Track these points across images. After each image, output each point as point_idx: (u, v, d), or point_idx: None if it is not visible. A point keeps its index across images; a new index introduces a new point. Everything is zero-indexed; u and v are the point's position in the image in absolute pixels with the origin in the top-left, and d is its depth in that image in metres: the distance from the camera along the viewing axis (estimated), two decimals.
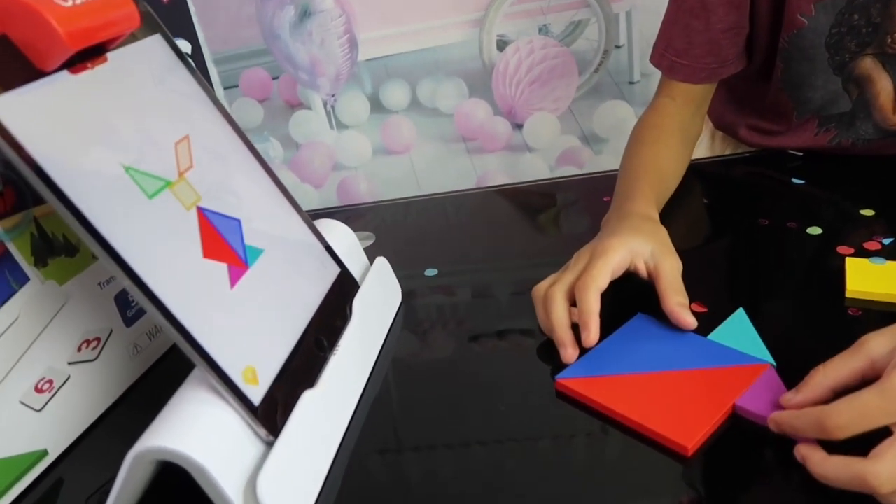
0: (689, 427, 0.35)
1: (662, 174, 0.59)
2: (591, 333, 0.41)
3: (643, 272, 0.45)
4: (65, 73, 0.33)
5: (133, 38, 0.38)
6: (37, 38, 0.31)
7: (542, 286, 0.45)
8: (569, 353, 0.41)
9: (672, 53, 0.64)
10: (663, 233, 0.48)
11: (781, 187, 0.61)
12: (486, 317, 0.49)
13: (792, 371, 0.38)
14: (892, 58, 0.59)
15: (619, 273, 0.45)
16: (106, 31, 0.34)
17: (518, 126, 1.35)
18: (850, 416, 0.31)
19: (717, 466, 0.34)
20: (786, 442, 0.34)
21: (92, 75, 0.35)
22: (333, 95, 1.32)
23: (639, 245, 0.46)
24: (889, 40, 0.58)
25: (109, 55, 0.36)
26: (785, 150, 0.67)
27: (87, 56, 0.34)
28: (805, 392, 0.34)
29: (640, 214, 0.51)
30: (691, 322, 0.42)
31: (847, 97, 0.62)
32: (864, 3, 0.57)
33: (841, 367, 0.34)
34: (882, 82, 0.59)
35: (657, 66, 0.66)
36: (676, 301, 0.43)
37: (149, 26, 0.39)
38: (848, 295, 0.44)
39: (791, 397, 0.35)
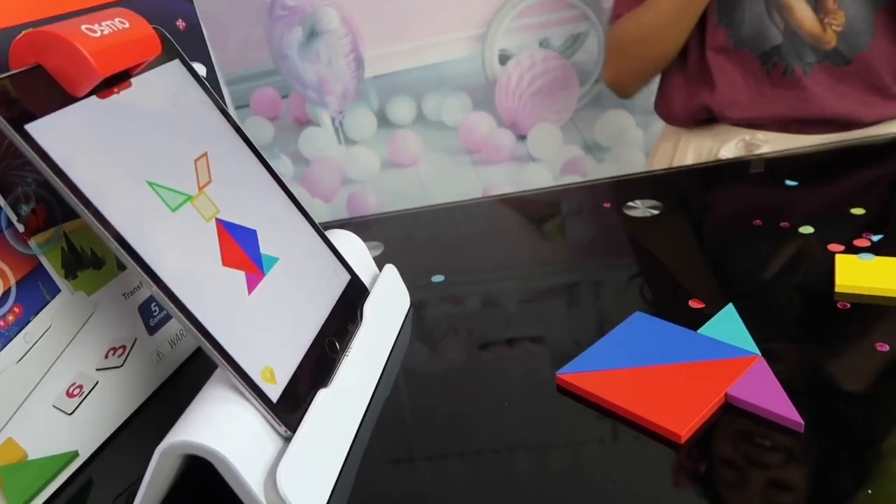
0: (682, 416, 0.37)
1: None
2: None
3: None
4: (94, 98, 0.36)
5: (155, 63, 0.41)
6: (69, 66, 0.34)
7: None
8: None
9: None
10: None
11: (776, 190, 0.63)
12: (491, 320, 0.51)
13: (779, 361, 0.40)
14: None
15: None
16: (131, 58, 0.37)
17: (521, 137, 1.37)
18: None
19: (708, 452, 0.36)
20: (774, 430, 0.36)
21: (118, 99, 0.38)
22: (341, 112, 1.35)
23: None
24: None
25: (133, 80, 0.39)
26: (755, 120, 0.71)
27: (114, 82, 0.37)
28: None
29: None
30: None
31: (775, 28, 0.65)
32: None
33: None
34: (801, 11, 0.63)
35: None
36: None
37: (169, 53, 0.42)
38: (837, 290, 0.46)
39: None
